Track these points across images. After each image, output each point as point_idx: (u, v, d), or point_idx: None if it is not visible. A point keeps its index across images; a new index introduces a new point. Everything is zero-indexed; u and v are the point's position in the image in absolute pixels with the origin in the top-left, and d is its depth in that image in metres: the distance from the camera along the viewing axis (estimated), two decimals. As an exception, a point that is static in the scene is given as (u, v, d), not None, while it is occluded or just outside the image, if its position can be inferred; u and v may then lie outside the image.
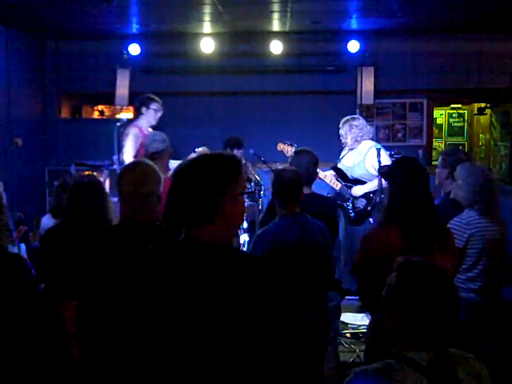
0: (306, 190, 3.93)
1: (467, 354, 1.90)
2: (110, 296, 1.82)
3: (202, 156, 1.84)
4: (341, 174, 5.31)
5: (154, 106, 5.66)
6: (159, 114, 5.70)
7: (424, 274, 1.90)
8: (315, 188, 4.17)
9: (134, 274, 1.77)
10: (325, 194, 4.86)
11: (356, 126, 5.29)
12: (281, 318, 1.73)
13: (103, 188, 3.46)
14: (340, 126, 5.36)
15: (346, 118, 5.40)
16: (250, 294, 1.71)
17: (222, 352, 1.68)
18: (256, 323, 1.69)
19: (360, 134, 5.29)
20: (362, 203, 5.23)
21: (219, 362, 1.68)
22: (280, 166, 6.48)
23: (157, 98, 5.70)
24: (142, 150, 5.56)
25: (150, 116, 5.67)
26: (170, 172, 4.07)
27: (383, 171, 3.32)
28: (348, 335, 4.60)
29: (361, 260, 3.03)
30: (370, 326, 3.14)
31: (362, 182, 5.25)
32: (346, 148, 5.46)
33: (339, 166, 5.39)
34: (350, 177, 5.31)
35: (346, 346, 4.46)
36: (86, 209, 3.30)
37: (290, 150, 5.68)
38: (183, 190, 1.78)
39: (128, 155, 5.57)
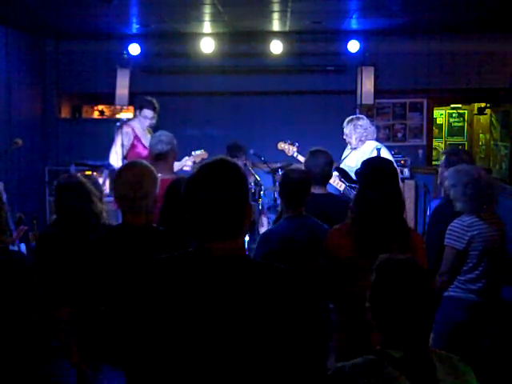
0: (320, 190, 3.93)
1: (452, 355, 1.92)
2: (133, 302, 1.77)
3: (214, 168, 1.73)
4: (344, 175, 5.29)
5: (146, 113, 5.54)
6: (150, 122, 5.57)
7: (398, 273, 1.93)
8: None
9: (157, 285, 1.72)
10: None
11: (361, 125, 5.26)
12: (300, 328, 1.69)
13: (85, 186, 3.43)
14: (344, 125, 5.33)
15: (351, 117, 5.36)
16: (275, 306, 1.66)
17: (240, 359, 1.64)
18: (278, 335, 1.65)
19: (364, 134, 5.27)
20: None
21: (235, 372, 1.64)
22: (280, 166, 6.51)
23: (155, 104, 5.55)
24: (132, 151, 5.58)
25: (142, 120, 5.59)
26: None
27: (356, 170, 3.30)
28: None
29: (323, 255, 2.99)
30: (339, 326, 3.05)
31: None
32: (348, 148, 5.45)
33: (342, 166, 5.37)
34: (353, 177, 5.29)
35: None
36: (71, 209, 3.30)
37: (291, 149, 5.66)
38: (209, 208, 1.67)
39: (112, 155, 5.56)
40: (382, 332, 1.92)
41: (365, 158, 5.22)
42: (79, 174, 3.91)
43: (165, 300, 1.69)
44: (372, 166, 3.04)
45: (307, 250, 3.28)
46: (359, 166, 3.16)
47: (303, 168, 3.93)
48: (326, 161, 3.98)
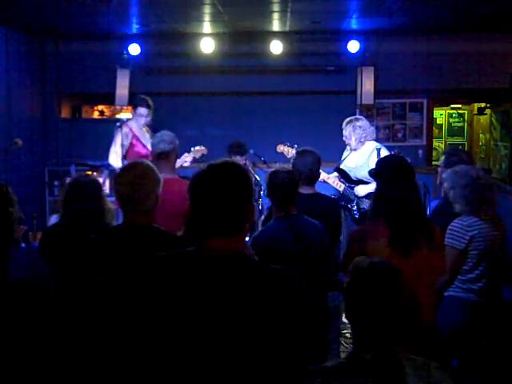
0: (309, 190, 3.93)
1: (429, 362, 1.89)
2: (135, 299, 1.78)
3: (218, 168, 1.77)
4: (344, 175, 5.29)
5: (141, 111, 5.56)
6: (145, 119, 5.59)
7: (369, 276, 1.91)
8: (318, 189, 4.15)
9: (154, 282, 1.74)
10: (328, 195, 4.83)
11: (360, 126, 5.26)
12: (295, 327, 1.72)
13: (100, 187, 3.45)
14: (343, 126, 5.32)
15: (350, 118, 5.35)
16: (269, 304, 1.69)
17: (237, 358, 1.66)
18: (275, 334, 1.68)
19: (364, 135, 5.26)
20: (366, 204, 5.19)
21: (231, 367, 1.66)
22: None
23: (149, 101, 5.57)
24: (132, 150, 5.57)
25: (138, 119, 5.61)
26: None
27: (370, 170, 3.34)
28: (348, 335, 4.61)
29: (348, 257, 3.00)
30: None
31: (366, 183, 5.22)
32: (348, 149, 5.44)
33: (342, 167, 5.37)
34: (353, 178, 5.29)
35: (346, 345, 4.46)
36: (84, 209, 3.29)
37: (290, 152, 5.66)
38: (211, 206, 1.72)
39: (112, 155, 5.57)
40: (355, 334, 1.92)
41: (365, 159, 5.29)
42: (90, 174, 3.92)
43: (162, 296, 1.71)
44: (390, 163, 3.09)
45: (297, 249, 3.27)
46: (376, 163, 3.20)
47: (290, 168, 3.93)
48: (314, 160, 3.99)
